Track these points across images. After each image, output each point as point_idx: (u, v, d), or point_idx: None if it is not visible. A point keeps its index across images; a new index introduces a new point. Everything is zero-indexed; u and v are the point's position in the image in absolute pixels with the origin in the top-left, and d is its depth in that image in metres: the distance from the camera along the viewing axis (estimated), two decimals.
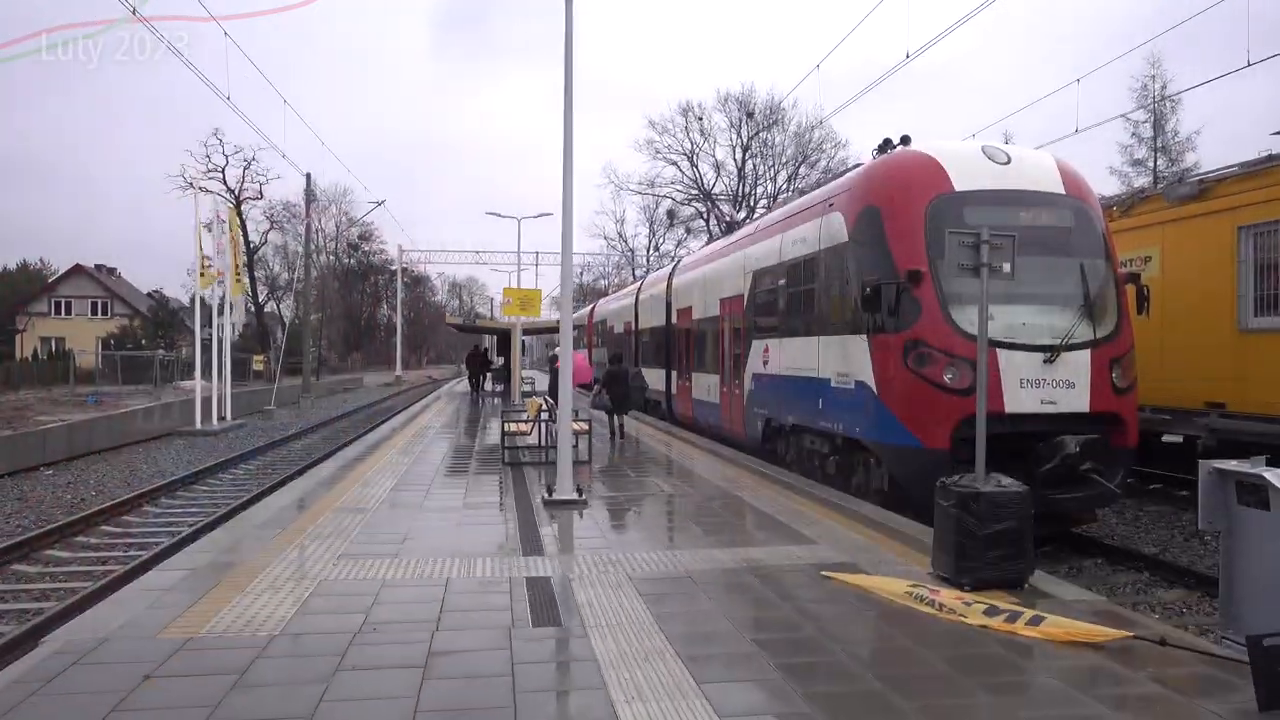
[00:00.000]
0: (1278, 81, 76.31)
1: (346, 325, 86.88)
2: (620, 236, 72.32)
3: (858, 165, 13.69)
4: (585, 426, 13.63)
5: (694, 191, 63.78)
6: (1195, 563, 10.39)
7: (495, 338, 39.00)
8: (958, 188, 10.62)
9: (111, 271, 71.64)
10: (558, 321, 14.68)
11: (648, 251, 69.95)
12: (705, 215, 63.22)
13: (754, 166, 62.30)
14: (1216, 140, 64.77)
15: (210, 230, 27.21)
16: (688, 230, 66.18)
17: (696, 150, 62.47)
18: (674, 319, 22.32)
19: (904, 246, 10.54)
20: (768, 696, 4.61)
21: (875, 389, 10.69)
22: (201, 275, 27.18)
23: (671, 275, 23.59)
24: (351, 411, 35.76)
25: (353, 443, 18.66)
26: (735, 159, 62.33)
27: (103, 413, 25.32)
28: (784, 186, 58.86)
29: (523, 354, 31.18)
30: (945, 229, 8.10)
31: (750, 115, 59.95)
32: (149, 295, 70.77)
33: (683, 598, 6.38)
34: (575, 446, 11.47)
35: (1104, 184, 39.91)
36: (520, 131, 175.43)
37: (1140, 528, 12.47)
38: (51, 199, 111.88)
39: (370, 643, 5.36)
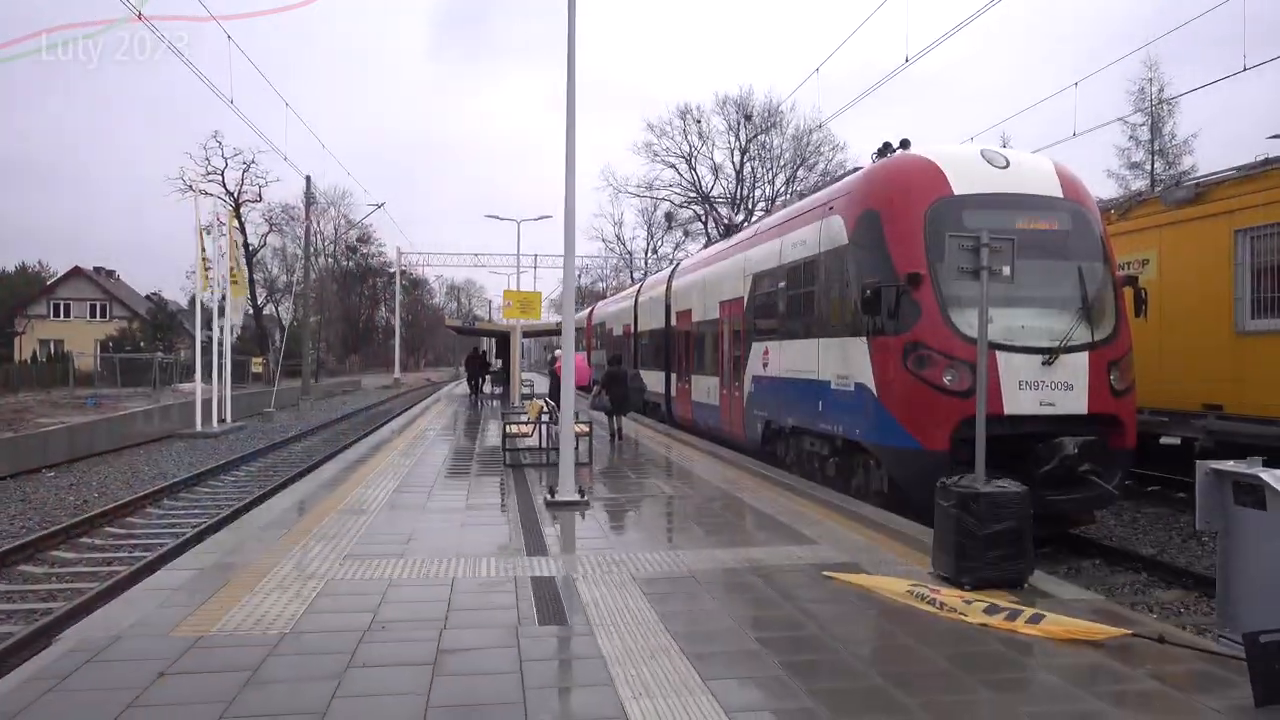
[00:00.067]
0: (1277, 84, 76.51)
1: (345, 328, 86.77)
2: (618, 239, 72.51)
3: (857, 169, 13.74)
4: (586, 428, 13.70)
5: (692, 194, 63.79)
6: (1193, 564, 10.45)
7: (494, 340, 39.00)
8: (957, 191, 10.69)
9: (110, 274, 71.49)
10: (557, 324, 14.75)
11: (645, 254, 70.05)
12: (703, 218, 63.21)
13: (752, 169, 62.37)
14: (1214, 143, 64.74)
15: (210, 233, 27.28)
16: (686, 233, 66.26)
17: (695, 153, 62.49)
18: (673, 321, 22.35)
19: (904, 249, 10.61)
20: (772, 693, 4.68)
21: (875, 391, 10.76)
22: (204, 278, 27.26)
23: (671, 278, 23.61)
24: (351, 414, 35.79)
25: (353, 445, 18.73)
26: (733, 162, 62.41)
27: (103, 415, 25.33)
28: (782, 189, 58.92)
29: (521, 356, 31.15)
30: (945, 232, 8.19)
31: (749, 118, 59.95)
32: (148, 298, 70.68)
33: (686, 597, 6.46)
34: (576, 448, 11.53)
35: (1101, 187, 40.15)
36: (520, 132, 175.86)
37: (1138, 529, 12.54)
38: (51, 199, 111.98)
39: (379, 641, 5.43)
